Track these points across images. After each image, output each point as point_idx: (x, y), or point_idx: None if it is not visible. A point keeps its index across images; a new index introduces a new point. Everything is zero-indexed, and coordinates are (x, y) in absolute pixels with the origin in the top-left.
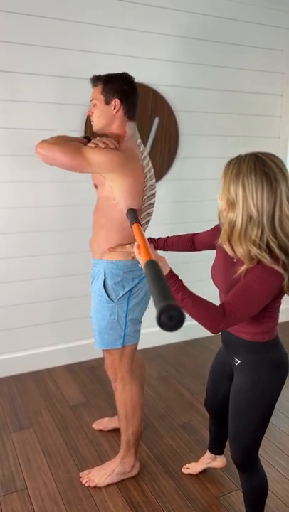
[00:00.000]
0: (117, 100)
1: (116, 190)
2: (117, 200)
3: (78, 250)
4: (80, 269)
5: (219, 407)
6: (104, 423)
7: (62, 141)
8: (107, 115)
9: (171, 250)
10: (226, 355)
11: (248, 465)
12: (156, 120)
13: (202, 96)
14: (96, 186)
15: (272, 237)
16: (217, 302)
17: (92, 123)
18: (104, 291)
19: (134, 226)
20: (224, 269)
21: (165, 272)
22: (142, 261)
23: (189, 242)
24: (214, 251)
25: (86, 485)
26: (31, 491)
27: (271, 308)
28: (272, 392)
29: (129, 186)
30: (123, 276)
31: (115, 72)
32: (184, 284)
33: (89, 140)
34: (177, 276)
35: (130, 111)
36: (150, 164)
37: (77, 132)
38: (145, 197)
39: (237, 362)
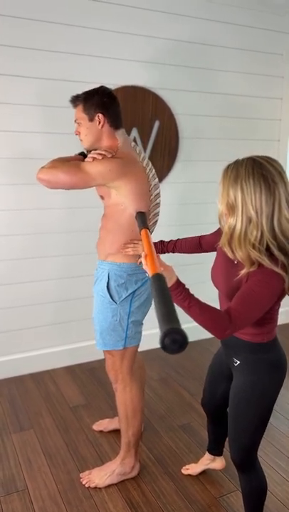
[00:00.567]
0: (100, 115)
1: (123, 196)
2: (125, 206)
3: (79, 252)
4: (80, 271)
5: (217, 408)
6: (104, 424)
7: (60, 163)
8: (94, 131)
9: (179, 252)
10: (225, 355)
11: (248, 465)
12: (157, 123)
13: (202, 99)
14: (102, 197)
15: (271, 239)
16: (217, 304)
17: (81, 142)
18: (107, 292)
19: (143, 233)
20: (225, 271)
21: (172, 280)
22: (149, 273)
23: (197, 244)
24: (215, 253)
25: (86, 485)
26: (32, 492)
27: (272, 310)
28: (271, 393)
29: (135, 189)
30: (127, 278)
31: (116, 76)
32: (191, 292)
33: (85, 156)
34: (184, 285)
35: (115, 121)
36: (150, 164)
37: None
38: (152, 196)
39: (236, 362)
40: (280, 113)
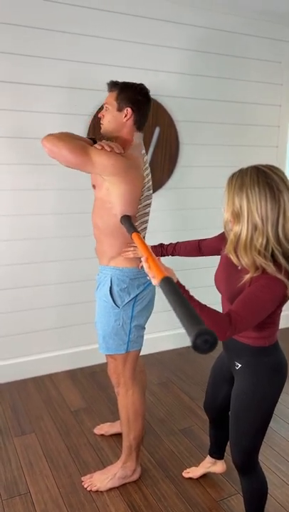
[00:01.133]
0: (129, 109)
1: (113, 193)
2: (112, 204)
3: (81, 257)
4: (82, 276)
5: (218, 411)
6: (105, 428)
7: (69, 139)
8: (117, 121)
9: (179, 255)
10: (227, 359)
11: (249, 468)
12: (157, 130)
13: (202, 106)
14: (94, 187)
15: (276, 245)
16: (219, 308)
17: (101, 125)
18: (110, 297)
19: (135, 236)
20: (228, 276)
21: None
22: (155, 279)
23: (196, 248)
24: (218, 257)
25: (88, 489)
26: (34, 495)
27: (273, 314)
28: (272, 396)
29: (127, 192)
30: (129, 282)
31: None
32: (191, 293)
33: (94, 142)
34: (184, 286)
35: (140, 121)
36: (150, 176)
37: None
38: (140, 206)
39: (238, 366)
40: (278, 119)
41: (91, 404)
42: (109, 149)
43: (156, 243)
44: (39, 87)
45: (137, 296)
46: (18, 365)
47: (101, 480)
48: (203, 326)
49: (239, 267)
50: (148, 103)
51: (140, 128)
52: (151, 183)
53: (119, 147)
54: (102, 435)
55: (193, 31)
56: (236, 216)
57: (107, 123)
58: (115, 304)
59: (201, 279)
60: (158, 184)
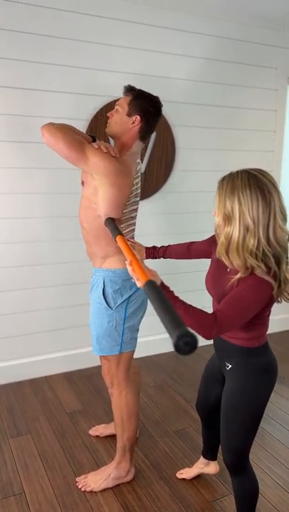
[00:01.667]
0: (138, 117)
1: (99, 193)
2: (97, 205)
3: (77, 260)
4: (78, 279)
5: (210, 411)
6: (100, 429)
7: (68, 132)
8: (124, 125)
9: (170, 258)
10: (218, 359)
11: (240, 468)
12: (154, 134)
13: (198, 111)
14: (83, 183)
15: (267, 246)
16: (211, 311)
17: (108, 124)
18: (103, 299)
19: (119, 239)
20: (218, 278)
21: (157, 284)
22: (139, 282)
23: (186, 250)
24: (209, 260)
25: (82, 489)
26: (28, 495)
27: (262, 315)
28: (262, 396)
29: (113, 196)
30: (122, 284)
31: (114, 88)
32: (175, 294)
33: (94, 140)
34: (168, 287)
35: (145, 132)
36: (139, 184)
37: None
38: (126, 210)
39: (228, 366)
40: (274, 125)
41: (87, 406)
42: (105, 150)
43: (155, 244)
44: (37, 92)
45: (129, 297)
46: (14, 367)
47: (95, 480)
48: (184, 328)
49: (228, 269)
50: (157, 117)
51: (143, 138)
52: (139, 191)
53: (115, 150)
54: (97, 436)
55: (189, 37)
56: (227, 219)
57: (114, 124)
58: (108, 305)
59: (194, 283)
60: (154, 188)
